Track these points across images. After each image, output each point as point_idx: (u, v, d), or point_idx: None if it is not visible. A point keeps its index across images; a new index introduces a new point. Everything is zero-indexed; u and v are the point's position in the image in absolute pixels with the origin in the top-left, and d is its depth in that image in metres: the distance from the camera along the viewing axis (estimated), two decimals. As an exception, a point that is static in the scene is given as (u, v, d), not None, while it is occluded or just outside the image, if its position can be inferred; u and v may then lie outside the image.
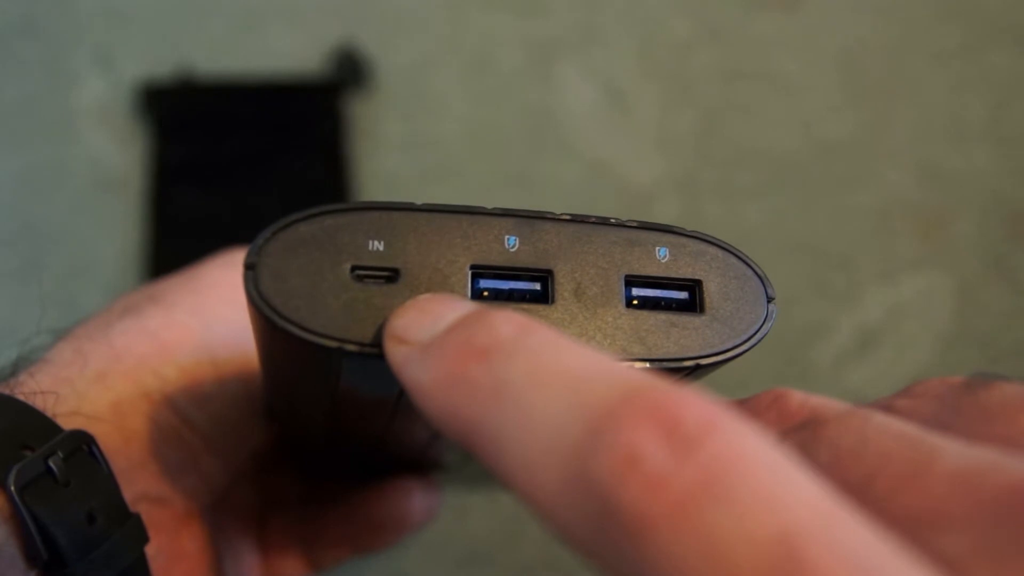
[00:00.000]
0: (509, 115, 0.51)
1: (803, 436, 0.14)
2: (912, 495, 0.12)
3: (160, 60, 0.50)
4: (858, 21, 0.53)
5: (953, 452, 0.13)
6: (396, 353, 0.15)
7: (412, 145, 0.50)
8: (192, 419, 0.24)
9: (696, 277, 0.18)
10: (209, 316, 0.25)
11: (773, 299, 0.18)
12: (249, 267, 0.16)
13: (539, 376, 0.13)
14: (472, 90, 0.51)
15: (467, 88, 0.51)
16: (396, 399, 0.19)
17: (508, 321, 0.14)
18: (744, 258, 0.19)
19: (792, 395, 0.16)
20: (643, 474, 0.11)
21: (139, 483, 0.23)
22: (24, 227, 0.47)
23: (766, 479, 0.11)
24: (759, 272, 0.19)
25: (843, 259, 0.48)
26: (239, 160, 0.48)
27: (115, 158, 0.48)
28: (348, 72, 0.50)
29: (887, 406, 0.16)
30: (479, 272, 0.17)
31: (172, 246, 0.46)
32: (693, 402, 0.12)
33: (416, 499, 0.30)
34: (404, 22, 0.52)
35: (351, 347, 0.16)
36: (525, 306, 0.17)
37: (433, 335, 0.15)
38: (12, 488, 0.19)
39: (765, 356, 0.46)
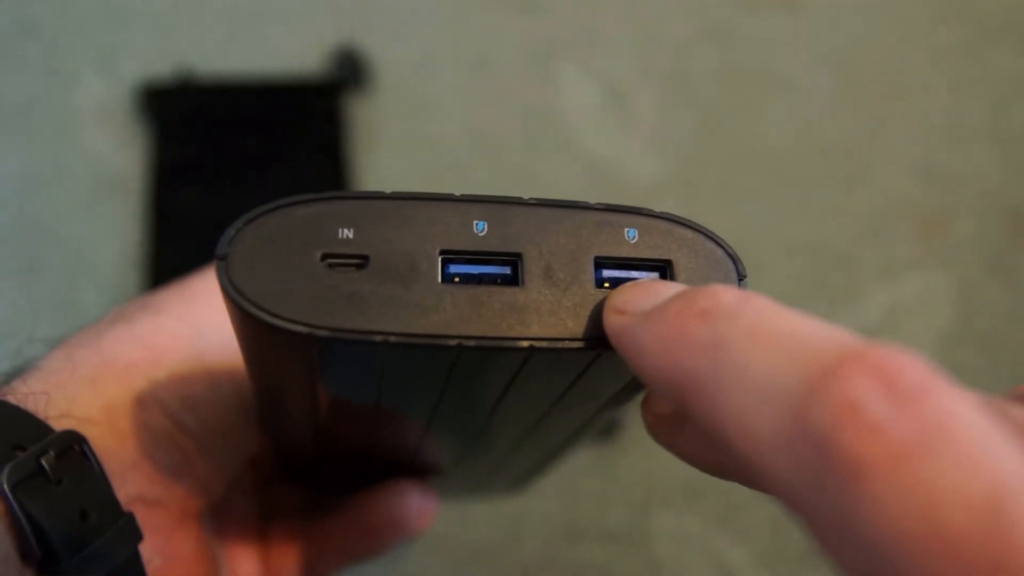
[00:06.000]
0: (509, 115, 0.51)
1: None
2: None
3: (160, 60, 0.50)
4: (858, 21, 0.53)
5: None
6: (615, 322, 0.16)
7: (412, 145, 0.50)
8: (184, 422, 0.24)
9: (666, 257, 0.18)
10: (200, 323, 0.25)
11: (744, 277, 0.18)
12: (221, 257, 0.17)
13: (759, 333, 0.14)
14: (472, 90, 0.51)
15: (467, 88, 0.51)
16: (377, 391, 0.19)
17: (729, 290, 0.15)
18: (714, 237, 0.19)
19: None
20: (863, 421, 0.12)
21: (132, 484, 0.23)
22: (24, 227, 0.47)
23: (977, 441, 0.11)
24: (730, 251, 0.19)
25: (843, 259, 0.48)
26: (239, 160, 0.48)
27: (115, 158, 0.48)
28: (348, 72, 0.50)
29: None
30: (449, 257, 0.17)
31: (172, 246, 0.46)
32: (912, 362, 0.12)
33: (412, 500, 0.30)
34: (404, 22, 0.52)
35: (322, 332, 0.16)
36: (495, 289, 0.17)
37: (654, 305, 0.16)
38: (5, 486, 0.19)
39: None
